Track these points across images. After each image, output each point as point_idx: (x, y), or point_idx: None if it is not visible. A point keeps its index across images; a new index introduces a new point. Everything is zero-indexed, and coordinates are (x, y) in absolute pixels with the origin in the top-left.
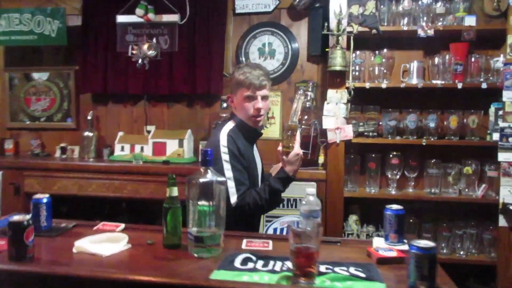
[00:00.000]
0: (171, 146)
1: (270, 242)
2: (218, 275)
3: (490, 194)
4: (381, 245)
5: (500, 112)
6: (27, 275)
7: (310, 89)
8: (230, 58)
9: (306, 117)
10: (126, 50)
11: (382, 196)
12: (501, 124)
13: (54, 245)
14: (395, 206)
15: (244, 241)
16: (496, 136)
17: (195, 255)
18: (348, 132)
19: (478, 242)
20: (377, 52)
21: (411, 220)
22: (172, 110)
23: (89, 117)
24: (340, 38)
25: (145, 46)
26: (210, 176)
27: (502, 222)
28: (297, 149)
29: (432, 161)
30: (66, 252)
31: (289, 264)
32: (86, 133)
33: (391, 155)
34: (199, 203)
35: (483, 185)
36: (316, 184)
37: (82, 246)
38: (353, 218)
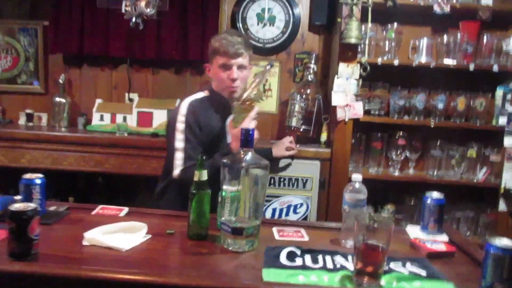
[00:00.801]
0: (158, 116)
1: (303, 230)
2: (270, 275)
3: (489, 178)
4: (420, 236)
5: (509, 96)
6: (33, 276)
7: (312, 62)
8: (225, 23)
9: (308, 91)
10: (107, 6)
11: (385, 178)
12: (510, 108)
13: (56, 236)
14: (435, 194)
15: (275, 230)
16: (502, 121)
17: (230, 248)
18: (358, 110)
19: (474, 225)
20: (389, 26)
21: (411, 203)
22: (158, 77)
23: (60, 81)
24: (354, 8)
25: (143, 3)
26: (250, 159)
27: (502, 206)
28: (246, 125)
29: (438, 143)
30: (74, 245)
31: (339, 259)
32: (58, 99)
33: (397, 136)
34: (237, 189)
35: (484, 169)
36: (320, 163)
37: (96, 239)
38: None
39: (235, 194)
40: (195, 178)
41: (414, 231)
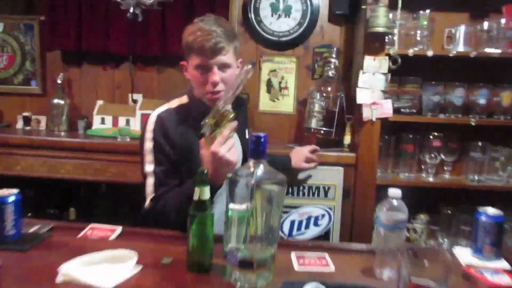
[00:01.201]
0: None
1: (327, 256)
2: None
3: None
4: (474, 262)
5: None
6: None
7: (334, 56)
8: (236, 15)
9: (329, 88)
10: None
11: (417, 184)
12: None
13: (28, 268)
14: (491, 210)
15: (293, 256)
16: None
17: (238, 284)
18: (386, 109)
19: None
20: (420, 12)
21: (448, 211)
22: (164, 76)
23: (58, 81)
24: None
25: None
26: (262, 172)
27: None
28: (215, 147)
29: (479, 144)
30: (46, 282)
31: None
32: (56, 101)
33: (431, 136)
34: (245, 208)
35: None
36: (343, 169)
37: (72, 274)
38: None
39: (244, 215)
40: (195, 197)
41: (464, 255)
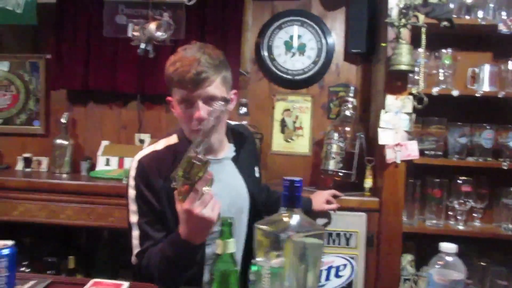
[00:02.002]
0: None
1: None
2: None
3: None
4: None
5: None
6: None
7: (351, 95)
8: (249, 52)
9: (347, 129)
10: (115, 35)
11: (446, 232)
12: None
13: None
14: None
15: None
16: None
17: None
18: (411, 150)
19: None
20: (443, 51)
21: (481, 263)
22: (172, 115)
23: (63, 120)
24: (402, 30)
25: (152, 26)
26: (297, 223)
27: None
28: (189, 205)
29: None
30: None
31: None
32: (59, 141)
33: (459, 181)
34: (276, 265)
35: None
36: (366, 214)
37: None
38: (407, 258)
39: (275, 271)
40: (218, 251)
41: None
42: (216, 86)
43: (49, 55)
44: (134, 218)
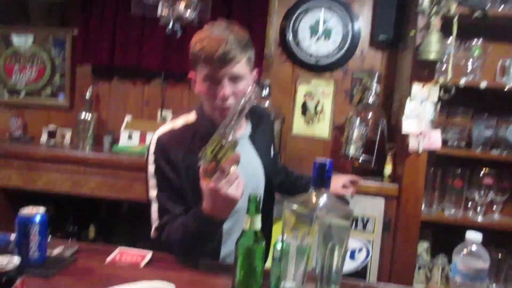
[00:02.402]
0: None
1: None
2: None
3: None
4: None
5: None
6: None
7: (375, 82)
8: (274, 35)
9: (369, 115)
10: (142, 13)
11: (464, 223)
12: None
13: None
14: None
15: None
16: None
17: None
18: (435, 140)
19: None
20: (473, 41)
21: (498, 255)
22: (194, 93)
23: (87, 95)
24: (433, 19)
25: (181, 5)
26: (325, 203)
27: None
28: (215, 183)
29: None
30: None
31: None
32: (83, 115)
33: (482, 173)
34: (303, 243)
35: None
36: (384, 200)
37: None
38: (423, 245)
39: (302, 250)
40: (245, 226)
41: None
42: (242, 66)
43: (76, 30)
44: (153, 193)
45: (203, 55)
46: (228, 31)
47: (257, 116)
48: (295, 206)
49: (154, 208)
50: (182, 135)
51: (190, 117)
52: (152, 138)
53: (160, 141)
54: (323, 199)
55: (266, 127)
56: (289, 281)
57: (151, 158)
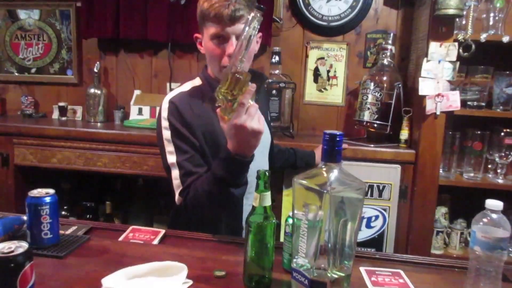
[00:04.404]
0: None
1: (402, 273)
2: None
3: None
4: None
5: None
6: None
7: (390, 42)
8: None
9: (384, 78)
10: None
11: (485, 186)
12: None
13: (66, 278)
14: None
15: (363, 271)
16: None
17: None
18: (453, 102)
19: None
20: None
21: None
22: (204, 63)
23: (95, 69)
24: None
25: None
26: (335, 178)
27: None
28: (238, 119)
29: None
30: None
31: None
32: (92, 90)
33: (502, 133)
34: (315, 217)
35: None
36: (401, 166)
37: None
38: (441, 210)
39: (314, 225)
40: (254, 203)
41: None
42: None
43: (79, 3)
44: (172, 159)
45: (212, 12)
46: None
47: (256, 77)
48: (305, 181)
49: (175, 174)
50: (193, 97)
51: (195, 81)
52: (162, 104)
53: (172, 104)
54: (334, 173)
55: (263, 91)
56: (301, 257)
57: (165, 123)
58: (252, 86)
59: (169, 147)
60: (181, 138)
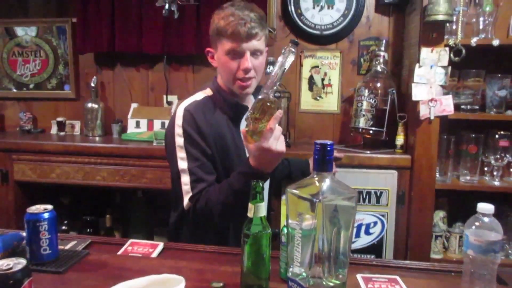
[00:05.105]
0: None
1: (398, 279)
2: None
3: None
4: None
5: None
6: None
7: (383, 48)
8: (275, 8)
9: (378, 84)
10: None
11: (481, 188)
12: None
13: None
14: None
15: (360, 278)
16: None
17: None
18: (446, 106)
19: None
20: None
21: None
22: (200, 75)
23: (92, 84)
24: None
25: None
26: (327, 187)
27: None
28: (265, 143)
29: None
30: None
31: None
32: (90, 105)
33: (497, 135)
34: (309, 226)
35: None
36: (397, 172)
37: None
38: (439, 214)
39: (308, 234)
40: (249, 214)
41: None
42: (262, 41)
43: (74, 19)
44: (183, 165)
45: (229, 30)
46: (249, 10)
47: (256, 91)
48: (297, 191)
49: (186, 180)
50: (207, 106)
51: (206, 92)
52: (177, 112)
53: (187, 112)
54: (326, 182)
55: None
56: (297, 266)
57: (179, 130)
58: (280, 112)
59: (181, 154)
60: (194, 145)
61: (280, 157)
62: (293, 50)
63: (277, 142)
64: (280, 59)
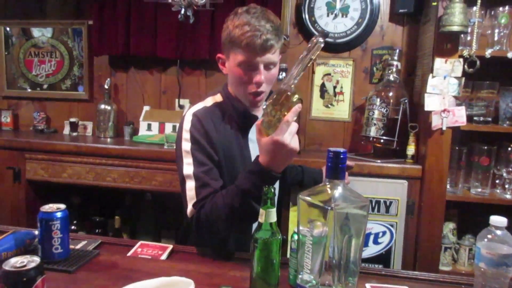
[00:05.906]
0: None
1: None
2: None
3: None
4: None
5: None
6: None
7: (396, 58)
8: (289, 15)
9: (390, 94)
10: (154, 0)
11: (492, 201)
12: None
13: None
14: None
15: (368, 287)
16: None
17: None
18: (459, 117)
19: None
20: (499, 9)
21: None
22: (212, 80)
23: (106, 86)
24: None
25: None
26: (339, 194)
27: None
28: (281, 136)
29: None
30: None
31: None
32: (103, 106)
33: (510, 148)
34: (320, 234)
35: None
36: (407, 182)
37: None
38: (449, 226)
39: (319, 241)
40: (260, 219)
41: None
42: (276, 53)
43: (91, 21)
44: (189, 170)
45: (244, 41)
46: (265, 20)
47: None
48: (309, 198)
49: (190, 185)
50: (215, 113)
51: (216, 97)
52: (186, 116)
53: (195, 117)
54: (338, 189)
55: None
56: (306, 273)
57: (187, 135)
58: (299, 106)
59: (188, 159)
60: (201, 151)
61: (292, 156)
62: (321, 42)
63: (291, 138)
64: (307, 52)
